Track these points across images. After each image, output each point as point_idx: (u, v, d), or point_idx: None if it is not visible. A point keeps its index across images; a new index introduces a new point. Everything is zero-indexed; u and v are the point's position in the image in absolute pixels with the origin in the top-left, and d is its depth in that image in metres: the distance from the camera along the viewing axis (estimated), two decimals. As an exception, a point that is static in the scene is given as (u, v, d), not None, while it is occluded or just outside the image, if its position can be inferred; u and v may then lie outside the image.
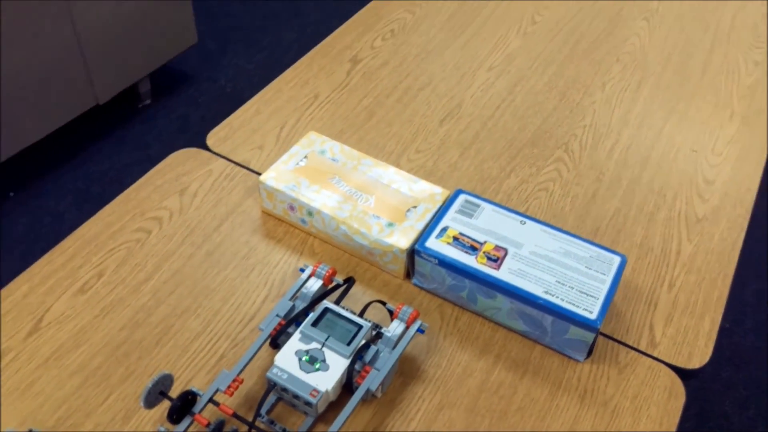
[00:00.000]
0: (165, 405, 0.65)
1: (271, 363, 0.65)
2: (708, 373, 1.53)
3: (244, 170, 0.89)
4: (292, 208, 0.80)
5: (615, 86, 1.07)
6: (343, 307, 0.69)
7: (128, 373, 0.68)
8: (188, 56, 2.26)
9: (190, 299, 0.74)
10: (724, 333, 1.61)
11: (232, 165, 0.90)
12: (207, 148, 0.92)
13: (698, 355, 0.74)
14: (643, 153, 0.96)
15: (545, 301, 0.69)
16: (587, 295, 0.69)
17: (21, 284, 0.75)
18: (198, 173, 0.88)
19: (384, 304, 0.70)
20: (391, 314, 0.70)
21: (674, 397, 0.69)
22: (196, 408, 0.61)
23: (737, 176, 0.94)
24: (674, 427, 0.67)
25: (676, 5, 1.25)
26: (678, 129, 1.00)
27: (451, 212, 0.77)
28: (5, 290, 0.74)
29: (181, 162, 0.90)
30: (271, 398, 0.66)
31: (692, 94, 1.06)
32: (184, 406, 0.61)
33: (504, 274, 0.71)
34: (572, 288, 0.70)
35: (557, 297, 0.69)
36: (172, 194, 0.86)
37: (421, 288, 0.77)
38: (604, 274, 0.71)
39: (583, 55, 1.12)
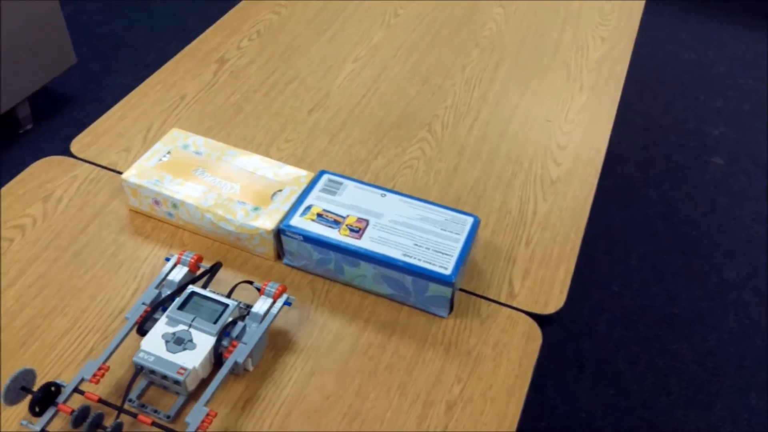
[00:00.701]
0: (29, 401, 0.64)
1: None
2: (602, 334, 1.62)
3: (111, 172, 0.89)
4: (156, 202, 0.81)
5: (474, 68, 1.13)
6: (210, 291, 0.71)
7: (-8, 378, 0.67)
8: (70, 78, 2.20)
9: (57, 299, 0.74)
10: (614, 296, 1.72)
11: (98, 169, 0.90)
12: (72, 156, 0.91)
13: (554, 302, 0.79)
14: (501, 127, 1.02)
15: (404, 263, 0.73)
16: (442, 254, 0.74)
17: None
18: (62, 179, 0.88)
19: (251, 283, 0.72)
20: (259, 292, 0.72)
21: (532, 340, 0.75)
22: (60, 398, 0.61)
23: (588, 140, 1.01)
24: (532, 367, 0.72)
25: (528, -8, 1.33)
26: (533, 103, 1.07)
27: (315, 191, 0.80)
28: None
29: (44, 170, 0.89)
30: (142, 383, 0.67)
31: (545, 70, 1.14)
32: (47, 397, 0.61)
33: (365, 242, 0.74)
34: (428, 249, 0.74)
35: (415, 258, 0.73)
36: (35, 202, 0.84)
37: (292, 267, 0.80)
38: (458, 234, 0.76)
39: (444, 43, 1.18)
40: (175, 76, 1.06)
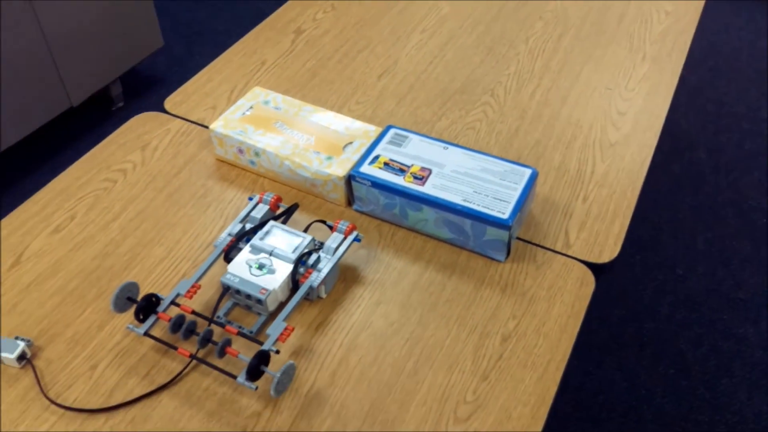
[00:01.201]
0: (134, 309, 0.74)
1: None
2: (664, 315, 1.62)
3: (199, 127, 0.98)
4: (240, 151, 0.89)
5: (538, 39, 1.17)
6: (288, 227, 0.78)
7: (100, 293, 0.76)
8: (156, 61, 2.35)
9: (154, 232, 0.83)
10: (679, 279, 1.71)
11: (188, 123, 0.99)
12: (166, 113, 1.01)
13: (608, 252, 0.83)
14: (562, 93, 1.06)
15: (463, 207, 0.78)
16: (500, 200, 0.79)
17: (1, 228, 0.83)
18: (157, 132, 0.97)
19: (324, 222, 0.80)
20: (331, 230, 0.79)
21: (585, 285, 0.79)
22: (160, 308, 0.70)
23: (647, 107, 1.04)
24: (584, 309, 0.77)
25: (596, -30, 1.36)
26: (594, 72, 1.10)
27: (383, 143, 0.86)
28: (-14, 235, 0.83)
29: (141, 124, 0.99)
30: (228, 304, 0.75)
31: (608, 41, 1.17)
32: (149, 307, 0.70)
33: (428, 189, 0.80)
34: (487, 196, 0.79)
35: (474, 203, 0.78)
36: (135, 150, 0.94)
37: (361, 212, 0.86)
38: (516, 184, 0.81)
39: (509, 15, 1.23)
40: (256, 44, 1.14)
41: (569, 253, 0.82)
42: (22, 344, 0.69)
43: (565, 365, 0.71)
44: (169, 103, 1.02)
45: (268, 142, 0.87)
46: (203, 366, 0.70)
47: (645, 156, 0.96)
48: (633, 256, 1.75)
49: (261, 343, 0.68)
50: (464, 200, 0.79)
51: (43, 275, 0.78)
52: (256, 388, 0.66)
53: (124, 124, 0.98)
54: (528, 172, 0.82)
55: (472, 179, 0.81)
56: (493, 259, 0.81)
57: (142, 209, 0.86)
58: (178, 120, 0.99)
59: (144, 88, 2.24)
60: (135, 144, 0.95)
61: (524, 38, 1.17)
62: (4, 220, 0.85)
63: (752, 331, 1.61)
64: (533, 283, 0.79)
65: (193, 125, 0.98)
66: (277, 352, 0.67)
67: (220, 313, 0.74)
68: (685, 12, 1.23)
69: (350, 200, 0.87)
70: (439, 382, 0.69)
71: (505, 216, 0.77)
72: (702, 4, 1.26)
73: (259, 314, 0.74)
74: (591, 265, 0.81)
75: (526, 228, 0.85)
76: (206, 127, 0.98)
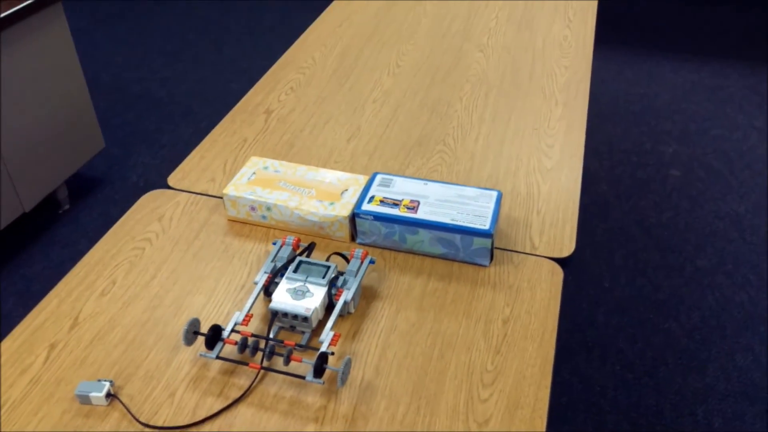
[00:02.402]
0: (199, 341, 0.85)
1: (267, 311, 0.88)
2: (601, 322, 1.85)
3: (205, 197, 1.12)
4: (253, 208, 1.04)
5: (469, 99, 1.41)
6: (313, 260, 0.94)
7: (159, 337, 0.87)
8: (97, 163, 2.44)
9: (191, 285, 0.96)
10: (606, 291, 1.96)
11: (194, 195, 1.13)
12: (170, 188, 1.15)
13: (567, 249, 1.03)
14: (499, 136, 1.29)
15: (452, 225, 0.97)
16: (480, 216, 0.98)
17: (51, 300, 0.93)
18: (168, 205, 1.11)
19: (339, 254, 0.96)
20: (347, 259, 0.95)
21: (556, 275, 0.98)
22: (224, 335, 0.83)
23: (568, 140, 1.28)
24: (559, 292, 0.96)
25: (501, 39, 1.63)
26: (521, 117, 1.34)
27: (374, 186, 1.04)
28: (41, 304, 0.92)
29: (152, 200, 1.12)
30: (275, 328, 0.88)
31: (525, 94, 1.42)
32: (215, 335, 0.82)
33: (421, 215, 0.98)
34: (468, 214, 0.98)
35: (460, 221, 0.97)
36: (152, 222, 1.07)
37: (364, 244, 1.03)
38: (488, 203, 1.01)
39: (440, 83, 1.46)
40: (234, 126, 1.31)
41: (537, 253, 1.02)
42: (107, 384, 0.80)
43: (555, 333, 0.89)
44: (172, 180, 1.16)
45: (277, 197, 1.03)
46: (269, 378, 0.82)
47: (576, 175, 1.19)
48: (566, 276, 1.99)
49: (316, 350, 0.81)
50: (452, 219, 0.97)
51: (103, 331, 0.89)
52: (323, 382, 0.79)
53: (137, 202, 1.11)
54: (495, 193, 1.03)
55: (453, 203, 1.00)
56: (480, 265, 0.99)
57: (174, 268, 0.98)
58: (185, 193, 1.13)
59: (88, 189, 2.32)
60: (151, 217, 1.08)
61: (458, 98, 1.40)
62: (53, 291, 0.94)
63: (675, 325, 1.86)
64: (516, 279, 0.97)
65: (199, 196, 1.12)
66: (332, 353, 0.81)
67: (270, 335, 0.87)
68: (579, 66, 1.52)
69: (353, 236, 1.03)
70: (462, 360, 0.85)
71: (487, 227, 0.96)
72: (590, 56, 1.56)
73: (303, 332, 0.88)
74: (556, 260, 1.01)
75: (499, 239, 1.05)
76: (211, 196, 1.12)
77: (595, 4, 1.81)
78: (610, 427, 1.60)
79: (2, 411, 0.79)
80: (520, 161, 1.22)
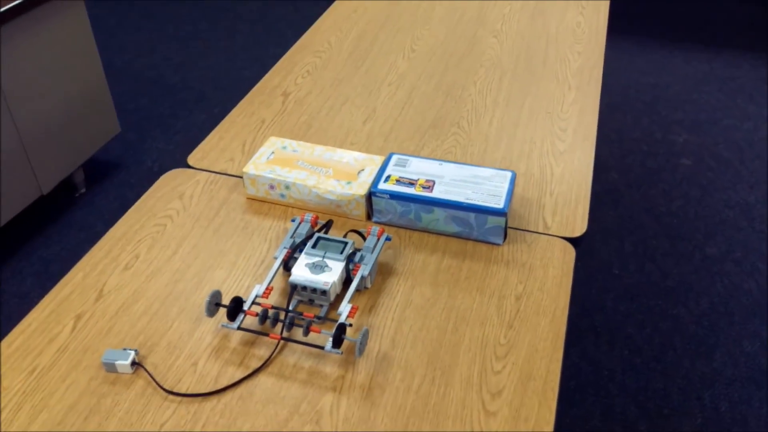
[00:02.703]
0: (220, 313, 0.88)
1: (286, 285, 0.90)
2: (610, 308, 1.87)
3: (224, 176, 1.15)
4: (272, 187, 1.07)
5: (483, 83, 1.42)
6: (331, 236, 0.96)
7: (181, 310, 0.90)
8: (112, 148, 2.47)
9: (212, 260, 0.98)
10: (616, 277, 1.97)
11: (214, 174, 1.15)
12: (191, 167, 1.17)
13: (578, 228, 1.05)
14: (513, 119, 1.30)
15: (467, 203, 0.99)
16: (494, 195, 1.00)
17: (76, 273, 0.96)
18: (188, 184, 1.13)
19: (356, 231, 0.98)
20: (363, 237, 0.97)
21: (568, 253, 1.00)
22: (245, 307, 0.85)
23: (581, 124, 1.30)
24: (571, 270, 0.98)
25: (514, 25, 1.65)
26: (534, 101, 1.36)
27: (390, 166, 1.06)
28: (66, 277, 0.95)
29: (172, 179, 1.14)
30: (294, 302, 0.90)
31: (539, 79, 1.44)
32: (237, 307, 0.85)
33: (436, 194, 1.00)
34: (483, 193, 1.00)
35: (475, 200, 0.99)
36: (173, 199, 1.10)
37: (380, 222, 1.05)
38: (502, 183, 1.03)
39: (455, 67, 1.48)
40: (252, 108, 1.33)
41: (550, 233, 1.04)
42: (132, 353, 0.82)
43: (567, 310, 0.91)
44: (192, 159, 1.18)
45: (296, 176, 1.05)
46: (288, 348, 0.85)
47: (588, 159, 1.21)
48: (576, 262, 2.01)
49: (334, 322, 0.84)
50: (466, 198, 0.99)
51: (127, 303, 0.91)
52: (341, 353, 0.82)
53: (158, 180, 1.14)
54: (509, 174, 1.04)
55: (468, 183, 1.02)
56: (493, 243, 1.01)
57: (196, 243, 1.01)
58: (204, 172, 1.15)
59: (104, 173, 2.35)
60: (172, 195, 1.11)
61: (472, 82, 1.42)
62: (78, 265, 0.97)
63: (684, 311, 1.88)
64: (528, 257, 0.99)
65: (219, 175, 1.15)
66: (350, 325, 0.83)
67: (290, 308, 0.89)
68: (592, 52, 1.53)
69: (369, 214, 1.06)
70: (476, 334, 0.87)
71: (501, 206, 0.98)
72: (603, 42, 1.57)
73: (321, 305, 0.90)
74: (569, 240, 1.03)
75: (512, 219, 1.07)
76: (230, 175, 1.15)
77: (608, -8, 1.82)
78: (618, 411, 1.62)
79: (32, 377, 0.82)
80: (534, 144, 1.24)
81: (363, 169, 1.07)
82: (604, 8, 1.73)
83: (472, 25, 1.64)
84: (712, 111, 2.80)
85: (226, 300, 0.92)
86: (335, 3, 1.76)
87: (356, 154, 1.10)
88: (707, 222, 2.20)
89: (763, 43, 3.34)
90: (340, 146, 1.22)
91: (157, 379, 0.82)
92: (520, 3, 1.75)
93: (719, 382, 1.69)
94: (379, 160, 1.09)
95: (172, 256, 0.99)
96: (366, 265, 0.91)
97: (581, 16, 1.68)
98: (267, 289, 0.88)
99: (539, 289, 0.94)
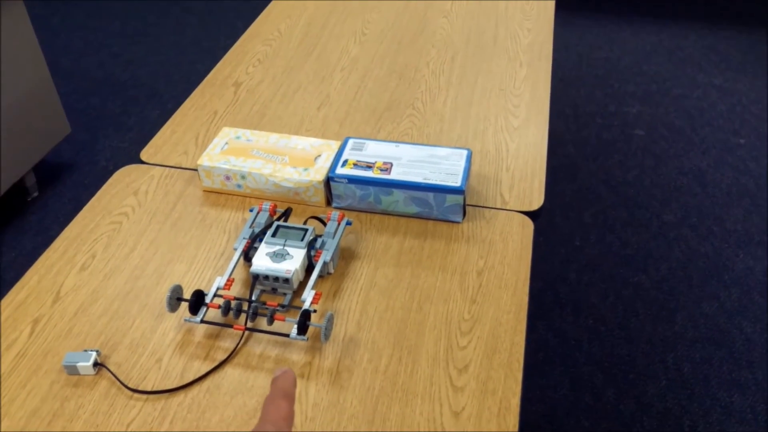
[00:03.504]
0: (182, 307, 0.87)
1: (248, 276, 0.90)
2: (573, 279, 1.90)
3: (179, 170, 1.13)
4: (227, 177, 1.05)
5: (435, 63, 1.42)
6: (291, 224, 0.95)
7: (143, 306, 0.89)
8: (64, 149, 2.41)
9: (171, 254, 0.97)
10: (577, 249, 2.01)
11: (168, 168, 1.13)
12: (144, 163, 1.15)
13: (536, 202, 1.07)
14: (467, 98, 1.31)
15: (426, 183, 0.99)
16: (451, 174, 1.01)
17: (31, 276, 0.93)
18: (143, 179, 1.11)
19: (317, 218, 0.97)
20: (324, 223, 0.97)
21: (526, 227, 1.02)
22: (207, 299, 0.84)
23: (534, 99, 1.31)
24: (530, 243, 0.99)
25: (464, 5, 1.65)
26: (487, 79, 1.37)
27: (347, 150, 1.06)
28: (21, 281, 0.92)
29: (126, 175, 1.12)
30: (257, 292, 0.90)
31: (491, 56, 1.44)
32: (199, 300, 0.84)
33: (395, 175, 1.01)
34: (440, 173, 1.01)
35: (433, 180, 0.99)
36: (128, 196, 1.08)
37: (340, 208, 1.05)
38: (459, 161, 1.03)
39: (407, 49, 1.48)
40: (203, 99, 1.31)
41: (508, 208, 1.05)
42: (93, 353, 0.81)
43: (528, 282, 0.93)
44: (145, 155, 1.16)
45: (251, 165, 1.04)
46: (253, 339, 0.84)
47: (542, 133, 1.22)
48: (537, 237, 2.04)
49: (298, 309, 0.84)
50: (425, 179, 0.99)
51: (86, 303, 0.89)
52: (307, 339, 0.82)
53: (111, 178, 1.11)
54: (465, 152, 1.05)
55: (425, 163, 1.02)
56: (453, 222, 1.02)
57: (153, 239, 0.99)
58: (158, 167, 1.13)
59: (56, 175, 2.29)
60: (126, 191, 1.08)
61: (425, 63, 1.42)
62: (31, 269, 0.95)
63: (644, 278, 1.92)
64: (488, 233, 1.00)
65: (173, 169, 1.13)
66: (314, 311, 0.83)
67: (253, 298, 0.89)
68: (541, 27, 1.54)
69: (329, 200, 1.05)
70: (440, 311, 0.88)
71: (458, 184, 0.99)
72: (552, 20, 1.58)
73: (285, 294, 0.90)
74: (527, 213, 1.04)
75: (471, 196, 1.07)
76: (185, 168, 1.13)
77: (554, -33, 1.83)
78: (586, 379, 1.66)
79: (-10, 385, 0.80)
80: (488, 121, 1.25)
81: (320, 155, 1.07)
82: (551, -16, 1.75)
83: (422, 6, 1.64)
84: (662, 81, 2.86)
85: (187, 294, 0.91)
86: (283, -10, 1.73)
87: (312, 140, 1.10)
88: (663, 190, 2.25)
89: (706, 12, 3.41)
90: (296, 134, 1.21)
91: (121, 379, 0.80)
92: (469, -18, 1.75)
93: (681, 344, 1.74)
94: (335, 144, 1.09)
95: (129, 254, 0.97)
96: (327, 250, 0.91)
97: (529, -8, 1.69)
98: (228, 280, 0.87)
99: (500, 263, 0.95)
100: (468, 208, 1.05)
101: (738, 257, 1.99)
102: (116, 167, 2.34)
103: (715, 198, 2.21)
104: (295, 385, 0.49)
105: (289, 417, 0.46)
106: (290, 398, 0.48)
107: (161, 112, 2.63)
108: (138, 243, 0.99)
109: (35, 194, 2.17)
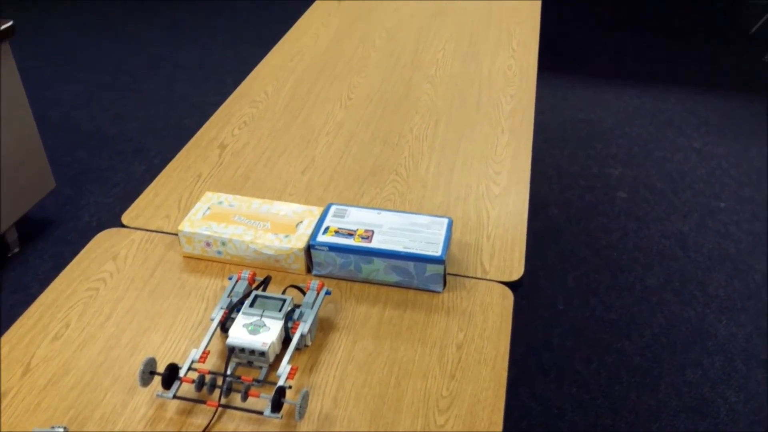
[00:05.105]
0: (156, 381, 0.85)
1: (224, 347, 0.88)
2: (557, 344, 1.89)
3: (160, 234, 1.12)
4: (208, 244, 1.05)
5: (419, 128, 1.44)
6: (269, 293, 0.94)
7: (115, 379, 0.87)
8: (47, 204, 2.39)
9: (147, 323, 0.95)
10: (561, 313, 2.00)
11: (149, 232, 1.13)
12: (125, 227, 1.14)
13: (516, 272, 1.07)
14: (450, 164, 1.32)
15: (406, 252, 0.99)
16: (432, 243, 1.01)
17: (2, 347, 0.91)
18: (123, 243, 1.10)
19: (296, 286, 0.97)
20: (303, 292, 0.96)
21: (506, 298, 1.01)
22: (181, 373, 0.82)
23: (515, 165, 1.33)
24: (510, 315, 0.99)
25: (448, 70, 1.69)
26: (469, 145, 1.38)
27: (329, 217, 1.06)
28: (-10, 352, 0.90)
29: (106, 239, 1.11)
30: (232, 364, 0.88)
31: (474, 123, 1.47)
32: (172, 374, 0.82)
33: (375, 244, 1.00)
34: (421, 242, 1.01)
35: (413, 249, 0.99)
36: (107, 261, 1.06)
37: (320, 275, 1.04)
38: (439, 230, 1.03)
39: (391, 114, 1.50)
40: (188, 161, 1.31)
41: (488, 278, 1.05)
42: (60, 430, 0.78)
43: (508, 357, 0.92)
44: (126, 218, 1.15)
45: (232, 232, 1.04)
46: (227, 415, 0.82)
47: (523, 200, 1.23)
48: (520, 301, 2.03)
49: (274, 384, 0.82)
50: (405, 247, 0.99)
51: (57, 375, 0.87)
52: (281, 417, 0.80)
53: (91, 242, 1.10)
54: (445, 220, 1.05)
55: (406, 232, 1.02)
56: (434, 291, 1.02)
57: (130, 306, 0.98)
58: (139, 231, 1.13)
59: (39, 230, 2.27)
60: (105, 256, 1.07)
61: (409, 129, 1.44)
62: (4, 338, 0.93)
63: (628, 343, 1.91)
64: (468, 304, 1.00)
65: (154, 233, 1.12)
66: (290, 387, 0.81)
67: (228, 372, 0.87)
68: (524, 94, 1.58)
69: (309, 268, 1.05)
70: (418, 387, 0.87)
71: (439, 254, 0.99)
72: (534, 87, 1.62)
73: (261, 367, 0.88)
74: (506, 284, 1.04)
75: (452, 265, 1.07)
76: (166, 233, 1.12)
77: (537, 34, 1.89)
78: (570, 447, 1.63)
79: (-49, 462, 0.77)
80: (470, 188, 1.26)
81: (301, 221, 1.07)
82: (533, 50, 1.79)
83: (407, 70, 1.67)
84: (644, 144, 2.91)
85: (161, 366, 0.89)
86: (272, 51, 1.77)
87: (294, 206, 1.10)
88: (645, 253, 2.27)
89: (686, 76, 3.51)
90: (279, 198, 1.22)
91: (89, 456, 0.78)
92: (453, 47, 1.79)
93: (665, 414, 1.72)
94: (317, 211, 1.09)
95: (105, 322, 0.95)
96: (305, 322, 0.90)
97: (512, 59, 1.74)
98: (204, 353, 0.85)
99: (480, 336, 0.94)
100: (449, 277, 1.05)
101: (720, 323, 1.99)
102: (99, 223, 2.32)
103: (698, 262, 2.23)
104: None
105: None
106: None
107: (148, 168, 2.64)
108: (114, 311, 0.97)
109: (16, 250, 2.15)
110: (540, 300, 2.06)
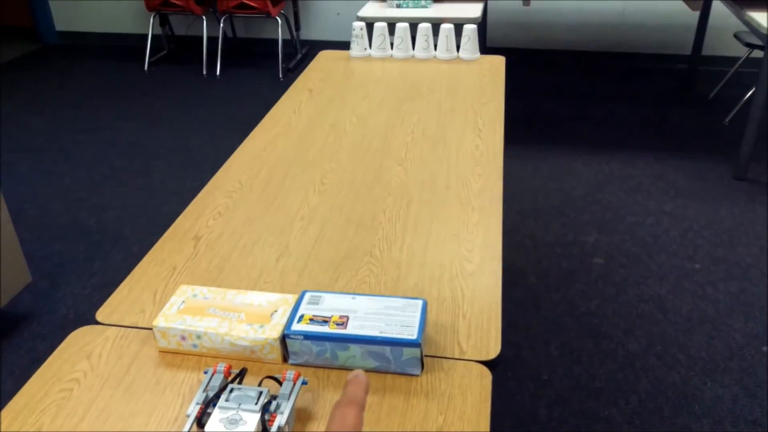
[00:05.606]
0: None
1: (202, 438, 0.87)
2: (544, 416, 1.87)
3: (135, 329, 1.12)
4: (183, 338, 1.04)
5: (392, 210, 1.47)
6: (245, 386, 0.94)
7: (89, 484, 0.85)
8: (23, 298, 2.37)
9: (121, 423, 0.94)
10: (546, 383, 1.99)
11: (124, 329, 1.12)
12: (99, 323, 1.14)
13: (493, 351, 1.07)
14: (422, 244, 1.35)
15: (382, 337, 0.99)
16: (407, 326, 1.01)
17: (-29, 456, 0.89)
18: (97, 341, 1.09)
19: (272, 377, 0.96)
20: (279, 382, 0.96)
21: (484, 377, 1.02)
22: (157, 475, 0.81)
23: (486, 243, 1.35)
24: (489, 395, 0.99)
25: (417, 152, 1.74)
26: (441, 225, 1.41)
27: (303, 305, 1.07)
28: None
29: (80, 338, 1.10)
30: (209, 462, 0.87)
31: (444, 202, 1.50)
32: (147, 476, 0.80)
33: (351, 330, 1.01)
34: (396, 325, 1.02)
35: (389, 333, 1.00)
36: (81, 360, 1.05)
37: (297, 364, 1.04)
38: (414, 313, 1.05)
39: (364, 197, 1.53)
40: (163, 254, 1.32)
41: (465, 357, 1.05)
42: None
43: (489, 438, 0.91)
44: (100, 315, 1.15)
45: (207, 325, 1.04)
46: None
47: (496, 277, 1.25)
48: (505, 373, 2.02)
49: (252, 481, 0.81)
50: (381, 332, 1.00)
51: (28, 484, 0.85)
52: None
53: (64, 341, 1.09)
54: (420, 302, 1.07)
55: (381, 316, 1.03)
56: (412, 375, 1.02)
57: (104, 406, 0.97)
58: (114, 327, 1.12)
59: (13, 326, 2.24)
60: (79, 355, 1.06)
61: (381, 210, 1.47)
62: (-27, 447, 0.91)
63: (615, 411, 1.90)
64: (447, 385, 1.00)
65: (129, 329, 1.12)
66: (268, 483, 0.80)
67: (206, 469, 0.85)
68: (491, 173, 1.62)
69: (285, 357, 1.04)
70: (400, 475, 0.86)
71: (415, 337, 0.99)
72: (501, 165, 1.67)
73: (239, 463, 0.87)
74: (484, 363, 1.05)
75: (429, 346, 1.08)
76: (141, 328, 1.12)
77: (502, 114, 1.96)
78: None
79: None
80: (444, 267, 1.27)
81: (276, 311, 1.07)
82: (499, 130, 1.86)
83: (378, 155, 1.72)
84: (616, 210, 2.97)
85: (136, 468, 0.87)
86: (245, 141, 1.81)
87: (269, 295, 1.11)
88: (625, 318, 2.28)
89: (653, 142, 3.62)
90: (254, 287, 1.22)
91: None
92: (422, 130, 1.85)
93: (657, 481, 1.69)
94: (292, 299, 1.10)
95: (78, 424, 0.94)
96: (282, 414, 0.89)
97: (479, 138, 1.80)
98: (179, 452, 0.84)
99: (459, 419, 0.94)
100: (426, 359, 1.05)
101: (706, 385, 1.99)
102: (76, 316, 2.30)
103: (677, 324, 2.25)
104: (366, 391, 0.50)
105: (355, 425, 0.46)
106: (358, 405, 0.48)
107: (125, 256, 2.63)
108: (87, 412, 0.96)
109: (-10, 347, 2.11)
110: (524, 371, 2.05)
